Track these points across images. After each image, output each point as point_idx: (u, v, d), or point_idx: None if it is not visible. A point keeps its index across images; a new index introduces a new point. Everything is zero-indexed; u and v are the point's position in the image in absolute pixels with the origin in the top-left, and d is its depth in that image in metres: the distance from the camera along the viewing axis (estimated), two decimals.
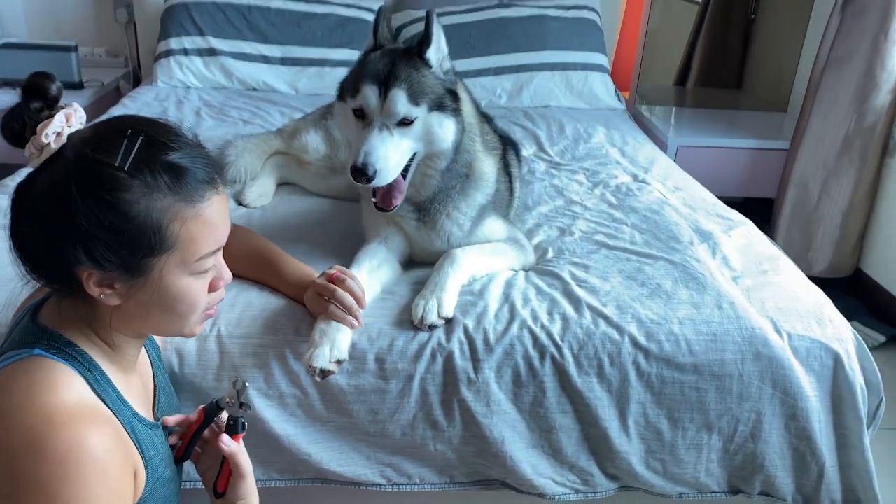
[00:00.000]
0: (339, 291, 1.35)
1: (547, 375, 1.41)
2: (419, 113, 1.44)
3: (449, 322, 1.42)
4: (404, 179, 1.50)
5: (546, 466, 1.45)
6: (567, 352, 1.41)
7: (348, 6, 3.14)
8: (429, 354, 1.39)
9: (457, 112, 1.49)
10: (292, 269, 1.47)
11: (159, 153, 0.94)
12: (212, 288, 1.05)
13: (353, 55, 2.99)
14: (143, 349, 1.18)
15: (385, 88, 1.42)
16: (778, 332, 1.47)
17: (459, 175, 1.58)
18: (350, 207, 1.95)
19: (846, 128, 2.99)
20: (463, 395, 1.39)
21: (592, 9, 3.22)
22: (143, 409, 1.09)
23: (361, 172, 1.40)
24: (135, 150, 0.92)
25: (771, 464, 1.48)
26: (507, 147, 1.82)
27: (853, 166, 3.02)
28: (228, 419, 1.13)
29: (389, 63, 1.44)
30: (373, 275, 1.51)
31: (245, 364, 1.36)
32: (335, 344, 1.32)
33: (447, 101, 1.47)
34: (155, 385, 1.18)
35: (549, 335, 1.42)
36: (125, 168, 0.91)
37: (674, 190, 2.16)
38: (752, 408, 1.45)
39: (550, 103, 3.07)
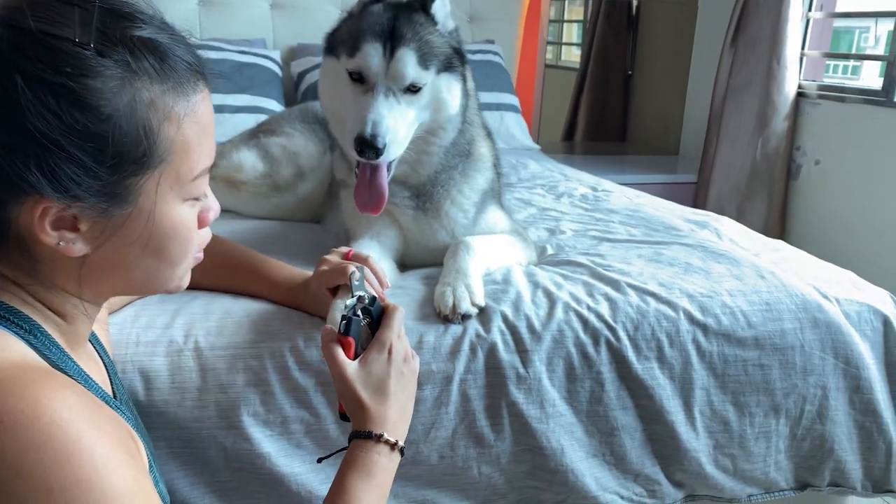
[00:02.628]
0: (366, 267, 1.06)
1: (604, 364, 1.18)
2: (428, 78, 1.23)
3: (482, 311, 1.17)
4: (392, 166, 1.26)
5: (609, 479, 1.20)
6: (622, 334, 1.19)
7: (243, 52, 2.91)
8: (467, 349, 1.12)
9: (464, 77, 1.30)
10: (279, 269, 1.17)
11: (127, 26, 0.66)
12: (200, 223, 0.76)
13: (254, 100, 2.74)
14: None
15: (391, 48, 1.20)
16: (826, 297, 1.33)
17: (462, 153, 1.37)
18: (302, 227, 1.66)
19: (752, 153, 3.08)
20: (513, 397, 1.12)
21: (497, 53, 3.18)
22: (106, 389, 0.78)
23: (370, 144, 1.14)
24: (94, 19, 0.64)
25: (840, 447, 1.31)
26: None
27: (764, 189, 3.10)
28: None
29: (392, 18, 1.22)
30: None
31: (235, 381, 1.03)
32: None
33: (455, 62, 1.27)
34: (103, 360, 0.86)
35: (600, 316, 1.20)
36: (90, 43, 0.63)
37: (637, 197, 2.05)
38: (818, 382, 1.28)
39: None
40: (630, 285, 1.28)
